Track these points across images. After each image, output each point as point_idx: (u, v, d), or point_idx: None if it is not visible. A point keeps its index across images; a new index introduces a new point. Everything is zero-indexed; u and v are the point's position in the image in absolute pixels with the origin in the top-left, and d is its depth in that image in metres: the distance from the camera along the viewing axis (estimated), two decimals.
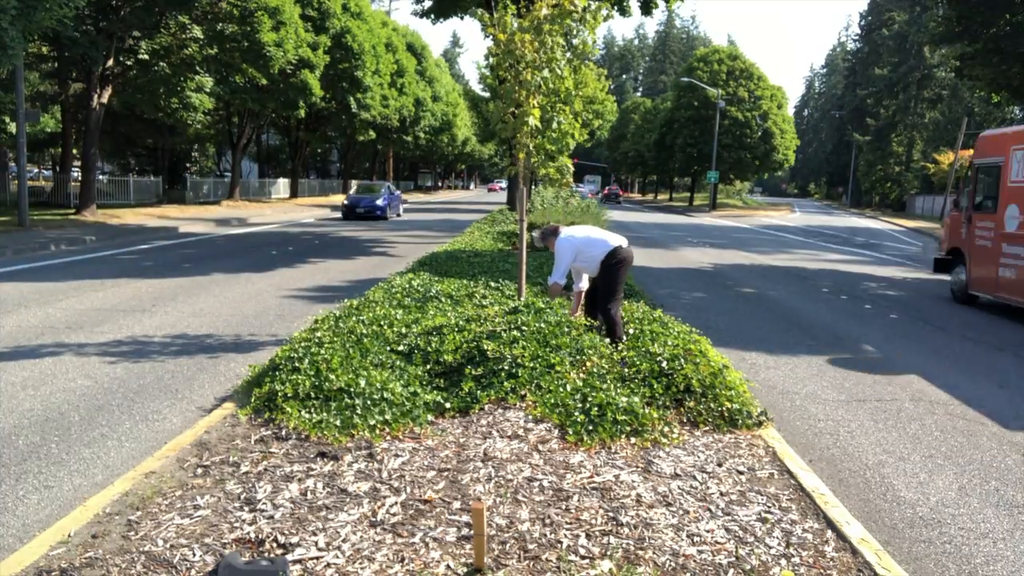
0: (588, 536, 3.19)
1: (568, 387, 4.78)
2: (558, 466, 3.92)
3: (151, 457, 4.02)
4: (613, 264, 5.98)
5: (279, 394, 4.61)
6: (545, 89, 6.05)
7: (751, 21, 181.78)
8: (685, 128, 52.96)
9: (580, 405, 4.55)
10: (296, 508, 3.39)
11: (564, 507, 3.45)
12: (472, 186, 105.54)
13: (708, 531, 3.28)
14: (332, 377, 4.73)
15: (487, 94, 36.67)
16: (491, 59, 6.75)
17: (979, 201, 11.24)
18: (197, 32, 22.28)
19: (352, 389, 4.63)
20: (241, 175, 37.68)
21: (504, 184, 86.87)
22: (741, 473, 3.97)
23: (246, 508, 3.38)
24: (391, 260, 14.69)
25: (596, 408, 4.46)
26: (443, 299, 7.29)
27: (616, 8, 21.64)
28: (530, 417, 4.57)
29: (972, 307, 11.38)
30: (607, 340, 5.65)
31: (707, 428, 4.61)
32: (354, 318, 6.17)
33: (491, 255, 11.76)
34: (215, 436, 4.28)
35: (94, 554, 2.97)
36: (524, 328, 5.58)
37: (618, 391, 4.74)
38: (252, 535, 3.13)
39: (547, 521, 3.31)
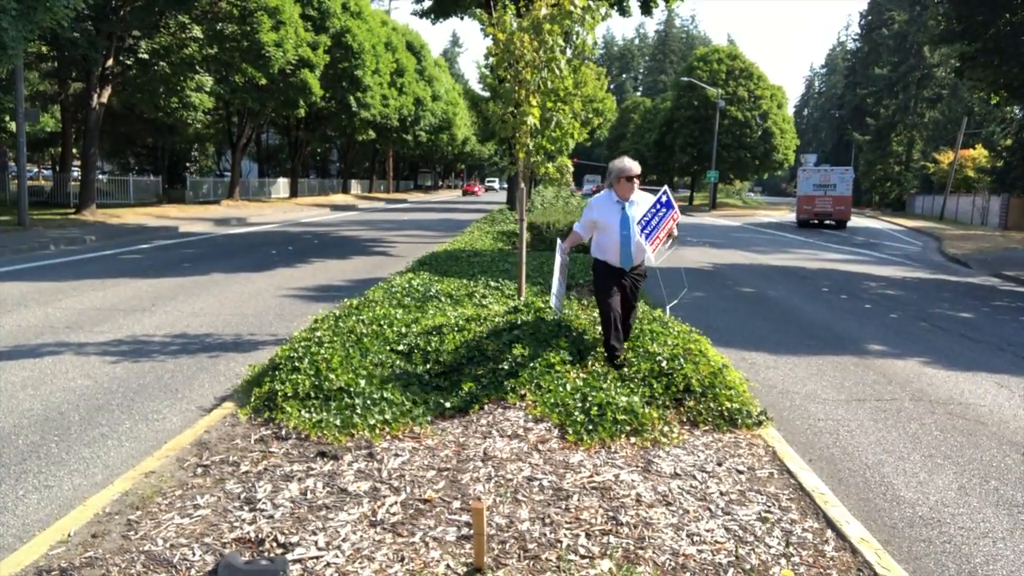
0: (588, 535, 3.19)
1: (568, 387, 4.78)
2: (558, 465, 3.92)
3: (151, 457, 4.02)
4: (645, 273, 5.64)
5: (279, 394, 4.62)
6: (544, 88, 6.05)
7: (751, 21, 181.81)
8: (685, 128, 52.93)
9: (580, 405, 4.55)
10: (296, 508, 3.39)
11: (564, 506, 3.46)
12: None
13: (708, 530, 3.29)
14: (332, 377, 4.73)
15: (487, 94, 36.66)
16: (491, 59, 6.75)
17: None
18: (197, 32, 22.27)
19: (352, 389, 4.64)
20: (241, 175, 37.65)
21: (497, 184, 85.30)
22: (741, 472, 3.97)
23: (246, 508, 3.38)
24: (391, 260, 14.69)
25: (596, 408, 4.46)
26: (443, 299, 7.29)
27: (616, 8, 21.62)
28: (530, 417, 4.58)
29: (973, 308, 11.44)
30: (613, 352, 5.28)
31: (707, 427, 4.61)
32: (354, 318, 6.17)
33: (491, 255, 11.76)
34: (215, 436, 4.28)
35: (94, 554, 2.97)
36: (524, 328, 5.59)
37: (618, 391, 4.74)
38: (252, 535, 3.13)
39: (547, 520, 3.31)
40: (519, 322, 5.70)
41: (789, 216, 46.33)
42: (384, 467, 3.85)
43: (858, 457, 4.75)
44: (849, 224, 33.87)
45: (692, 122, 52.39)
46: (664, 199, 5.25)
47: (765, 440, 4.47)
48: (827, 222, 32.93)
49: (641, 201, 5.27)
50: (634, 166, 5.35)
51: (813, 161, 37.52)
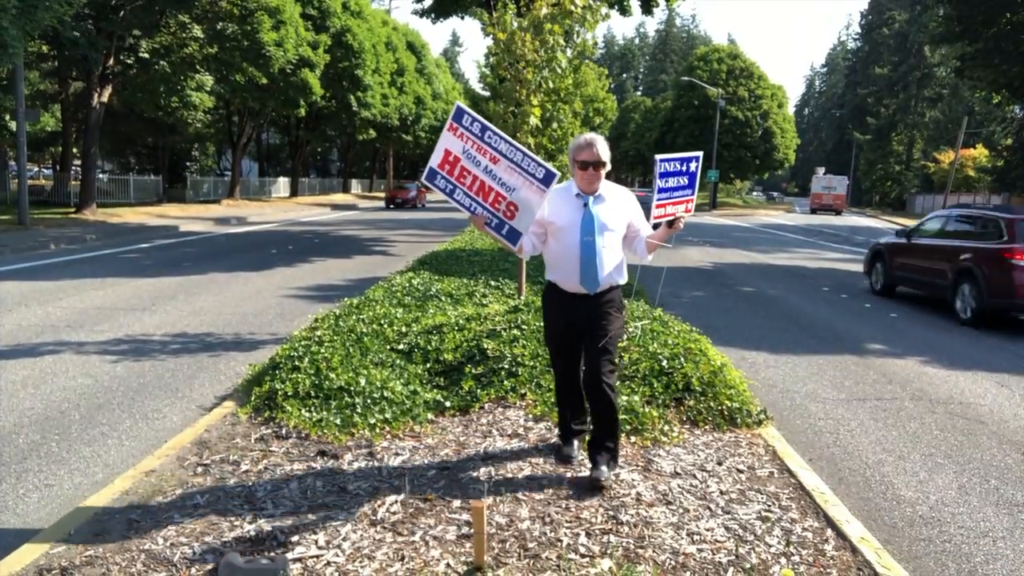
0: (588, 534, 3.20)
1: None
2: (558, 465, 3.92)
3: (151, 455, 4.02)
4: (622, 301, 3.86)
5: (279, 393, 4.62)
6: (545, 88, 6.05)
7: (751, 20, 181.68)
8: (685, 127, 52.92)
9: None
10: (296, 506, 3.39)
11: (564, 505, 3.46)
12: None
13: (708, 530, 3.29)
14: (332, 376, 4.73)
15: (487, 93, 36.69)
16: (491, 58, 6.74)
17: None
18: (197, 31, 22.27)
19: (352, 388, 4.64)
20: (241, 174, 37.66)
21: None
22: (741, 472, 3.97)
23: (246, 506, 3.38)
24: (391, 259, 14.69)
25: None
26: (443, 298, 7.29)
27: (616, 7, 21.59)
28: (530, 416, 4.58)
29: None
30: (598, 437, 3.75)
31: (707, 427, 4.61)
32: (354, 317, 6.17)
33: (491, 254, 11.75)
34: (215, 435, 4.28)
35: (94, 553, 2.97)
36: (524, 327, 5.59)
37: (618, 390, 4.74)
38: (252, 533, 3.13)
39: (547, 520, 3.32)
40: (519, 321, 5.70)
41: (794, 218, 46.47)
42: (384, 466, 3.85)
43: (858, 456, 4.75)
44: (849, 224, 39.56)
45: (693, 122, 52.37)
46: (693, 167, 3.91)
47: (765, 439, 4.47)
48: (829, 212, 50.81)
49: (614, 199, 3.69)
50: (590, 148, 3.57)
51: (823, 171, 57.81)
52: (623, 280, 3.75)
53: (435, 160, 3.83)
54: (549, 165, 3.64)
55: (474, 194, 3.79)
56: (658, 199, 3.77)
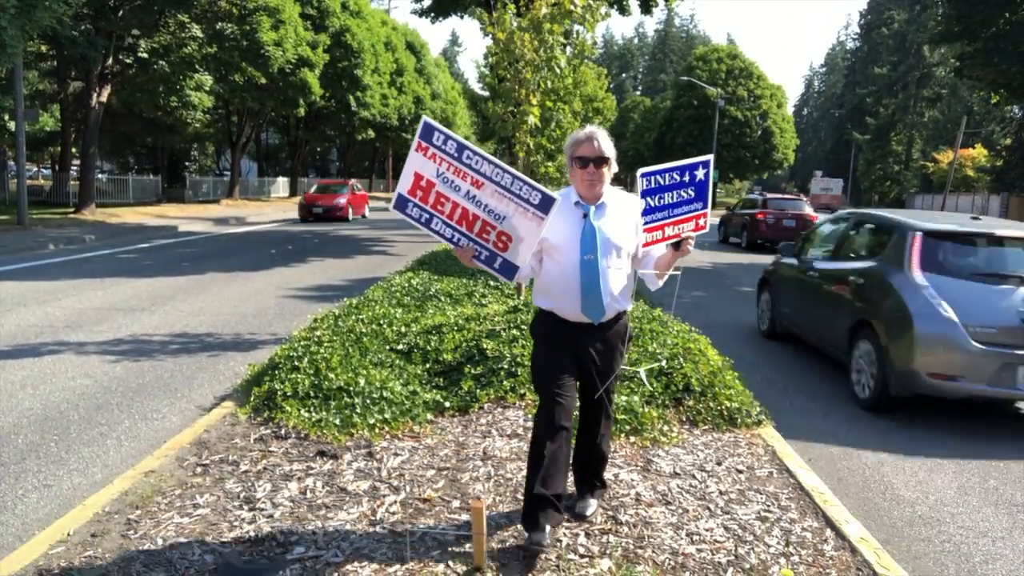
0: (587, 535, 3.20)
1: None
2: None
3: (150, 456, 4.02)
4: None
5: (278, 393, 4.61)
6: (544, 88, 6.06)
7: (750, 20, 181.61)
8: (684, 127, 52.98)
9: None
10: (295, 507, 3.39)
11: (564, 506, 3.45)
12: None
13: (707, 530, 3.29)
14: (331, 376, 4.73)
15: (486, 93, 36.70)
16: (490, 58, 6.74)
17: None
18: (196, 31, 22.26)
19: (351, 388, 4.63)
20: (240, 174, 37.67)
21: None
22: (740, 472, 3.97)
23: (245, 507, 3.38)
24: (390, 259, 14.69)
25: None
26: (442, 298, 7.29)
27: (615, 7, 21.60)
28: (529, 416, 4.57)
29: None
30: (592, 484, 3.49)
31: (706, 427, 4.61)
32: (353, 317, 6.17)
33: None
34: (214, 435, 4.28)
35: (93, 553, 2.97)
36: (523, 327, 5.58)
37: (617, 390, 4.73)
38: (251, 534, 3.13)
39: None
40: (519, 322, 5.70)
41: None
42: (383, 466, 3.85)
43: (858, 456, 4.75)
44: None
45: (692, 121, 52.42)
46: (701, 175, 3.28)
47: (764, 439, 4.47)
48: (827, 211, 64.04)
49: (620, 209, 3.14)
50: (590, 142, 3.05)
51: (820, 173, 64.05)
52: (630, 306, 3.30)
53: (404, 186, 3.17)
54: (545, 189, 3.05)
55: (456, 223, 3.13)
56: (646, 221, 3.23)
